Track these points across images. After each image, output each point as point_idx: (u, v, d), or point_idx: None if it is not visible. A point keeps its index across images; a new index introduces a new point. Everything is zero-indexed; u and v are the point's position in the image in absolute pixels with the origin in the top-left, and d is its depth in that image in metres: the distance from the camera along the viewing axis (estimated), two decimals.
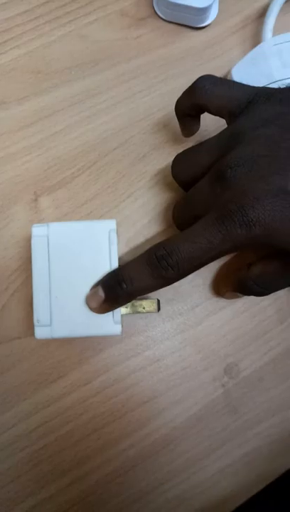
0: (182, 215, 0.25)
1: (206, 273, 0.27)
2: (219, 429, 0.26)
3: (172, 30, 0.30)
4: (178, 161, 0.25)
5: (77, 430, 0.25)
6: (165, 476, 0.25)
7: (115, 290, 0.22)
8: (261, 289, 0.23)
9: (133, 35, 0.30)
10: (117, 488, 0.25)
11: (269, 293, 0.23)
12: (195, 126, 0.27)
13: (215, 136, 0.23)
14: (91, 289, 0.23)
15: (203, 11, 0.29)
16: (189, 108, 0.24)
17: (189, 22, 0.30)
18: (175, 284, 0.21)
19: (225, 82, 0.23)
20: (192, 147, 0.24)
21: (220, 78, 0.23)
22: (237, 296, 0.25)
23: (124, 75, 0.29)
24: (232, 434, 0.26)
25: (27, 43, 0.29)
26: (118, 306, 0.23)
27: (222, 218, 0.19)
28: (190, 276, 0.21)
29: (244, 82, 0.28)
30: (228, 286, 0.25)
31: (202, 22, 0.30)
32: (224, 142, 0.22)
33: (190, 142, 0.28)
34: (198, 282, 0.27)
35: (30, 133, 0.28)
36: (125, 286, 0.21)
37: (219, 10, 0.31)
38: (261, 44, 0.29)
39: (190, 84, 0.24)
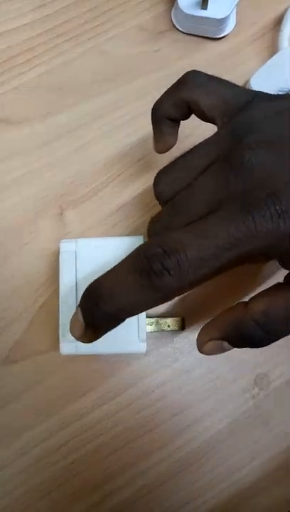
0: (164, 228, 0.18)
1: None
2: (251, 441, 0.25)
3: (190, 42, 0.31)
4: (162, 176, 0.19)
5: (107, 444, 0.25)
6: (198, 491, 0.25)
7: (92, 312, 0.17)
8: (264, 333, 0.17)
9: (152, 48, 0.30)
10: (148, 504, 0.25)
11: (273, 340, 0.17)
12: (173, 137, 0.22)
13: (207, 139, 0.19)
14: (73, 314, 0.18)
15: (221, 22, 0.30)
16: (173, 106, 0.20)
17: (207, 33, 0.31)
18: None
19: (220, 80, 0.20)
20: (177, 158, 0.19)
21: (214, 76, 0.20)
22: (222, 350, 0.19)
23: (144, 88, 0.30)
24: (264, 447, 0.25)
25: (49, 60, 0.30)
26: (104, 332, 0.18)
27: (247, 207, 0.15)
28: (215, 284, 0.20)
29: (264, 90, 0.28)
30: (213, 331, 0.18)
31: (220, 33, 0.31)
32: (226, 138, 0.18)
33: None
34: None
35: (54, 148, 0.28)
36: (103, 305, 0.16)
37: (236, 21, 0.31)
38: (279, 53, 0.29)
39: None
